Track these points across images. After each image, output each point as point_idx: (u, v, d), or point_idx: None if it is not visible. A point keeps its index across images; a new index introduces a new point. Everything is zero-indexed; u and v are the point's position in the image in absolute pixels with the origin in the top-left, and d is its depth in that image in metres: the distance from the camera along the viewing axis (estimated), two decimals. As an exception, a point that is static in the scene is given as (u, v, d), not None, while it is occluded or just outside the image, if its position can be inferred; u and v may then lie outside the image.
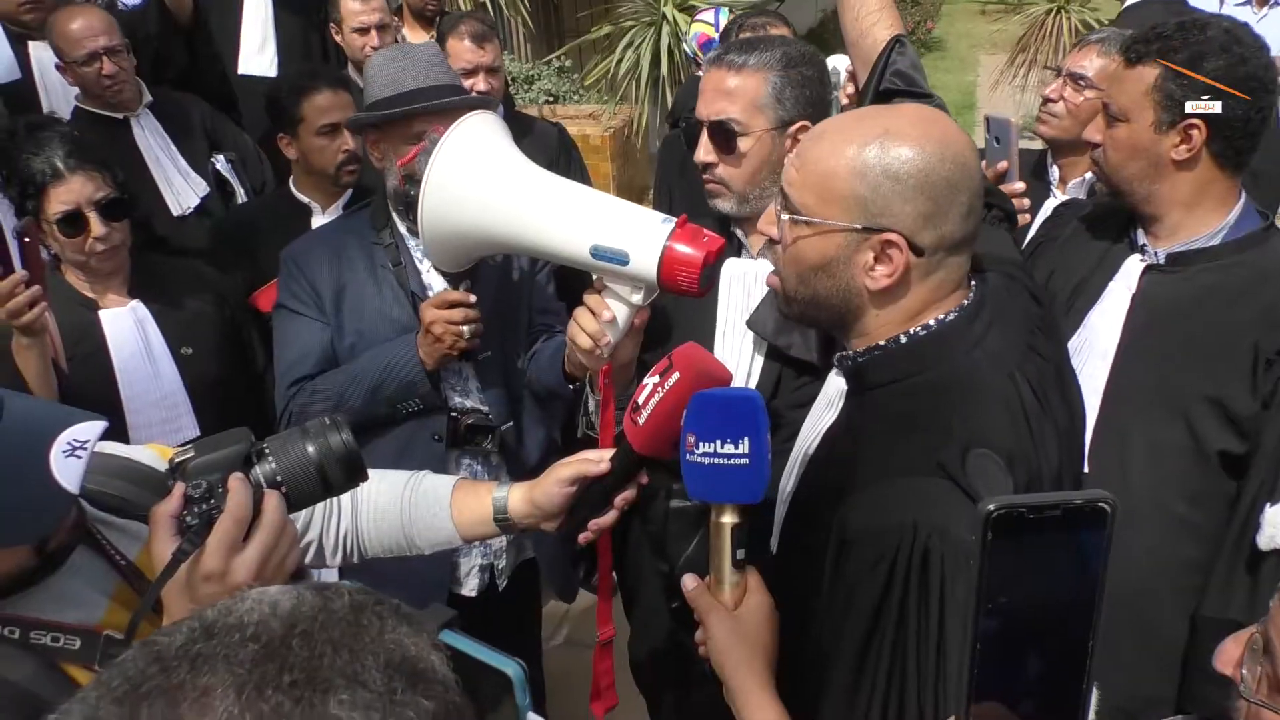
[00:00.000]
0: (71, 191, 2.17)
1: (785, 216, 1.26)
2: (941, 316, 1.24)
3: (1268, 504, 1.67)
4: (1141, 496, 1.79)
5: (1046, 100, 2.61)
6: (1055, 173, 2.65)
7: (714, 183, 1.84)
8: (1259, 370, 1.73)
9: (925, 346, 1.23)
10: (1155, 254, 1.88)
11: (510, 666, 0.83)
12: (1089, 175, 2.52)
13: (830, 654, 1.16)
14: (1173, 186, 1.82)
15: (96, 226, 2.19)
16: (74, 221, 2.18)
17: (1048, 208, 2.48)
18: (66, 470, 0.99)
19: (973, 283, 1.29)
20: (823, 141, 1.25)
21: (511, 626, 2.53)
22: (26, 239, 1.99)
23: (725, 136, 1.79)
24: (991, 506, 0.76)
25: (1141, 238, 1.92)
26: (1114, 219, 2.00)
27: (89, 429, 1.03)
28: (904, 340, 1.24)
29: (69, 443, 1.01)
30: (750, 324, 1.80)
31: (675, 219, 1.44)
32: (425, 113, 2.03)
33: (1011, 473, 1.13)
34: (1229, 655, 0.92)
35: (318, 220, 2.80)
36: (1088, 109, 2.44)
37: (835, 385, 1.38)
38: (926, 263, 1.21)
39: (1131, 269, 1.91)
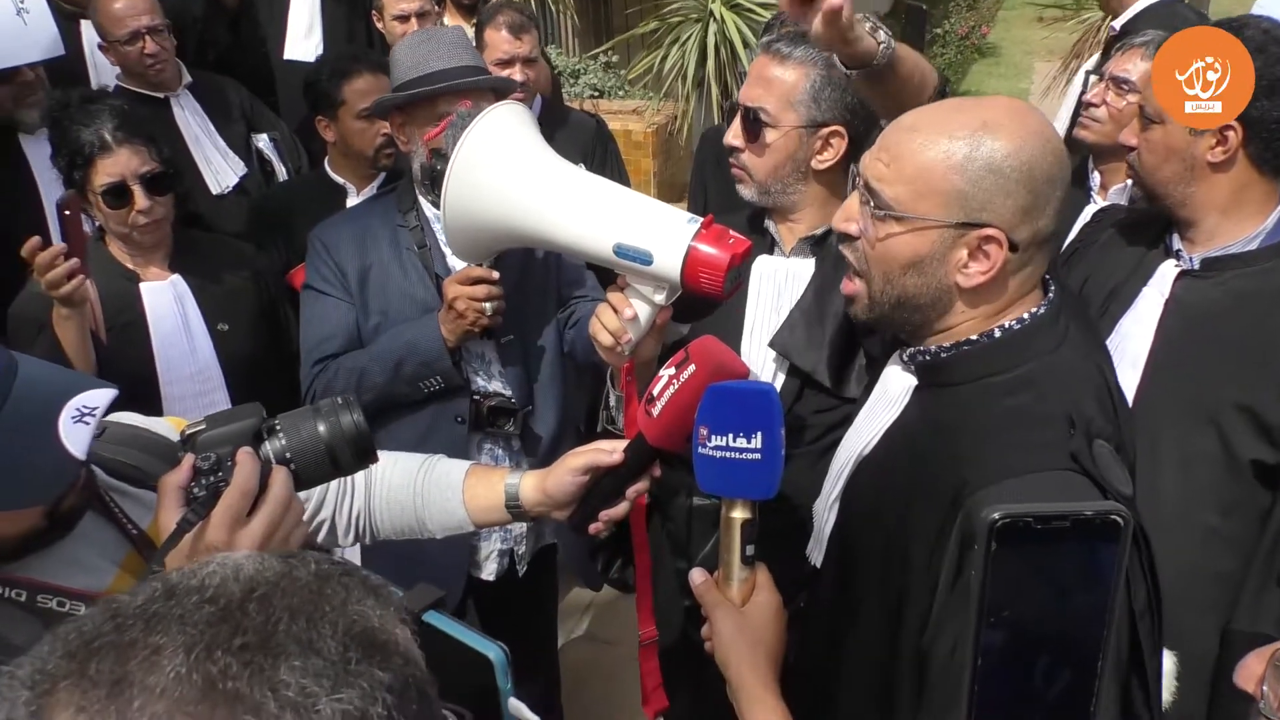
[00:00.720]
0: (118, 164, 2.21)
1: (875, 213, 1.21)
2: (1034, 310, 1.21)
3: None
4: (1172, 507, 1.76)
5: (1088, 105, 2.55)
6: (1096, 179, 2.60)
7: (738, 168, 1.83)
8: None
9: (1018, 341, 1.21)
10: (1190, 259, 1.85)
11: (492, 650, 0.82)
12: (1130, 182, 2.42)
13: (939, 658, 1.11)
14: (1209, 189, 1.79)
15: (140, 200, 2.23)
16: (119, 194, 2.22)
17: (1087, 214, 2.42)
18: (75, 436, 1.00)
19: (1048, 279, 1.27)
20: (916, 134, 1.20)
21: (529, 613, 2.53)
22: (67, 212, 2.03)
23: (754, 125, 1.77)
24: (996, 515, 0.74)
25: (1177, 243, 1.88)
26: (1151, 225, 1.96)
27: (98, 396, 1.04)
28: (997, 334, 1.21)
29: (78, 409, 1.01)
30: (773, 344, 1.77)
31: (701, 219, 1.42)
32: (448, 92, 2.04)
33: (1120, 460, 1.12)
34: (1251, 671, 0.90)
35: (353, 201, 2.82)
36: (1130, 113, 2.34)
37: (899, 383, 1.32)
38: (1019, 258, 1.18)
39: (1166, 274, 1.88)
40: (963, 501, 1.12)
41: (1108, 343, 1.87)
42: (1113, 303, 1.93)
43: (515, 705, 0.86)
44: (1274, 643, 0.90)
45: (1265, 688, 0.87)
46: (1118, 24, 3.26)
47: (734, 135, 1.82)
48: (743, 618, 1.20)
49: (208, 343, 2.39)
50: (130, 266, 2.34)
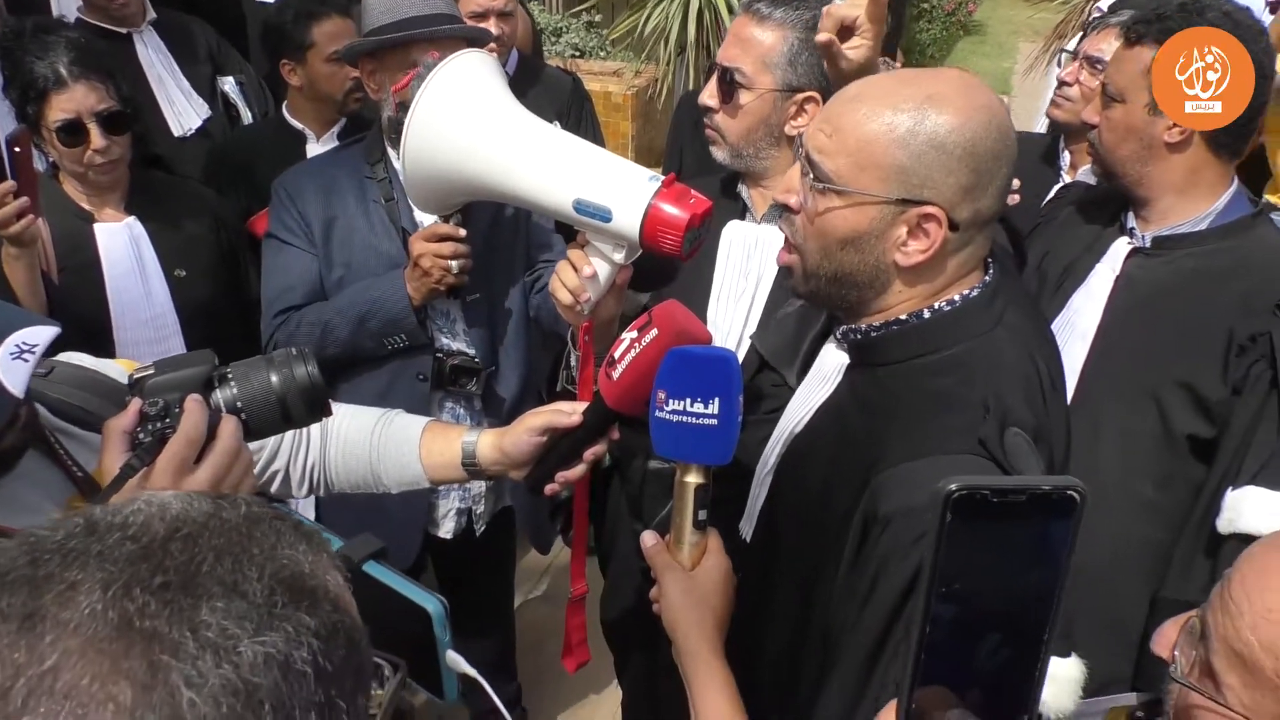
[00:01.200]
0: (73, 100, 2.12)
1: (814, 185, 1.18)
2: (965, 293, 1.19)
3: (1230, 488, 1.69)
4: (1110, 477, 1.80)
5: (1062, 84, 2.55)
6: (1066, 158, 2.61)
7: (711, 129, 1.82)
8: (1231, 356, 1.73)
9: (949, 322, 1.18)
10: (1142, 238, 1.89)
11: (431, 602, 0.82)
12: None
13: (844, 634, 1.12)
14: (1165, 170, 1.82)
15: (96, 138, 2.15)
16: (74, 131, 2.14)
17: (1054, 192, 2.44)
18: (12, 372, 0.97)
19: (988, 261, 1.24)
20: (860, 105, 1.15)
21: (486, 573, 2.54)
22: (18, 149, 1.96)
23: (729, 86, 1.75)
24: (953, 486, 0.73)
25: (1131, 221, 1.92)
26: (1109, 203, 1.99)
27: (39, 333, 1.01)
28: (927, 315, 1.18)
29: (18, 345, 0.99)
30: (754, 337, 1.76)
31: (663, 178, 1.40)
32: (420, 39, 1.99)
33: (1036, 451, 1.11)
34: (1166, 637, 0.91)
35: (312, 147, 2.77)
36: None
37: (833, 360, 1.31)
38: (959, 238, 1.15)
39: (1118, 252, 1.92)
40: (870, 480, 1.12)
41: (1060, 317, 1.93)
42: (1067, 278, 1.96)
43: (453, 657, 0.86)
44: (1190, 611, 0.92)
45: (1177, 652, 0.89)
46: (1104, 4, 3.25)
47: (709, 95, 1.80)
48: (691, 581, 1.20)
49: (164, 288, 2.33)
50: (85, 206, 2.26)
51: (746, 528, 1.46)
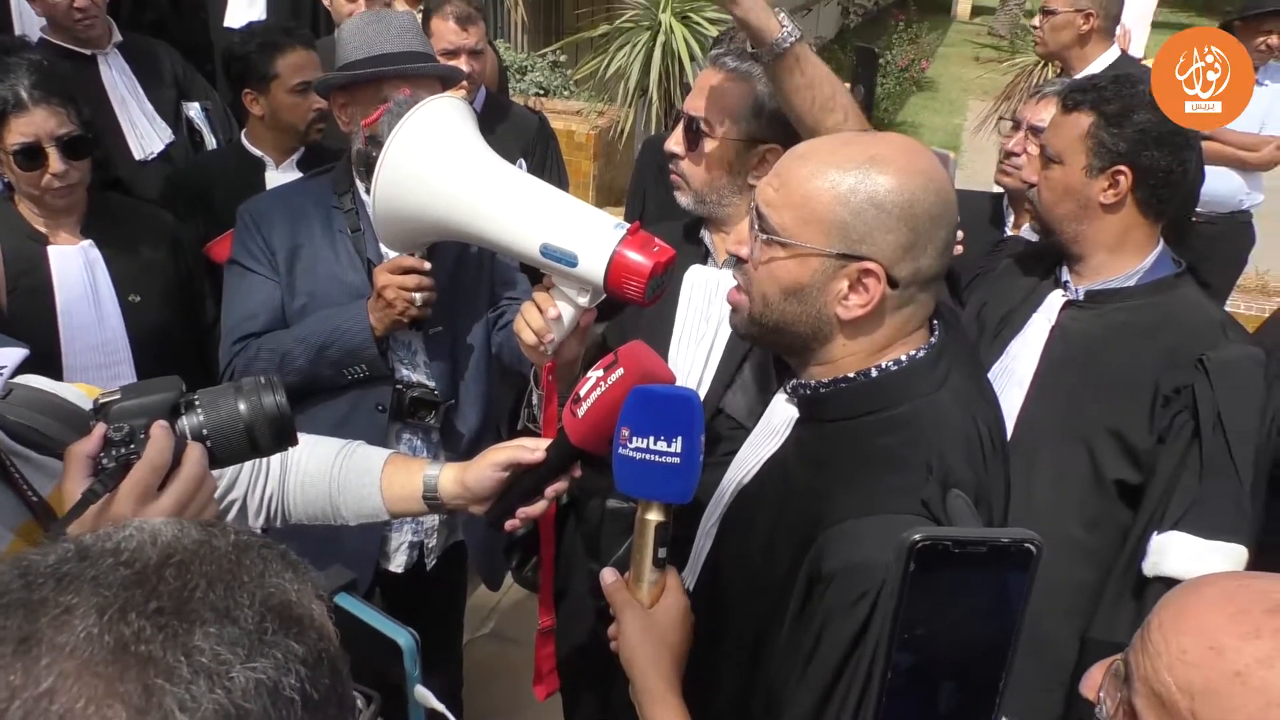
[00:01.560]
0: (33, 124, 2.10)
1: (760, 236, 1.23)
2: (912, 353, 1.22)
3: (1155, 532, 1.76)
4: (1042, 519, 1.83)
5: (1010, 154, 2.66)
6: (1010, 218, 2.73)
7: (676, 175, 1.86)
8: (1157, 406, 1.82)
9: (896, 382, 1.21)
10: (1076, 291, 1.99)
11: (402, 636, 0.82)
12: None
13: (788, 690, 1.13)
14: (1099, 229, 1.93)
15: (55, 163, 2.13)
16: (32, 155, 2.12)
17: None
18: None
19: (934, 321, 1.28)
20: (806, 162, 1.21)
21: (436, 608, 2.51)
22: None
23: (695, 134, 1.80)
24: (917, 537, 0.76)
25: (1066, 275, 2.02)
26: (1045, 257, 2.10)
27: (7, 354, 1.00)
28: (874, 374, 1.21)
29: None
30: (725, 406, 1.78)
31: (628, 225, 1.43)
32: (393, 76, 2.02)
33: (976, 510, 1.13)
34: (1093, 680, 0.94)
35: (271, 174, 2.78)
36: None
37: (782, 414, 1.33)
38: (899, 296, 1.19)
39: (1053, 303, 2.01)
40: (815, 536, 1.15)
41: (999, 363, 2.02)
42: (1005, 327, 2.06)
43: (421, 692, 0.86)
44: (1117, 654, 0.95)
45: (1103, 694, 0.92)
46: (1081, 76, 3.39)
47: (675, 142, 1.84)
48: (649, 619, 1.20)
49: (116, 313, 2.30)
50: (40, 228, 2.24)
51: (690, 577, 1.46)
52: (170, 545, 0.56)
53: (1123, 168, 1.86)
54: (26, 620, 0.51)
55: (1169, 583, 1.68)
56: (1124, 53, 3.67)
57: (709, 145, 1.81)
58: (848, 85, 2.55)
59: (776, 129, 1.80)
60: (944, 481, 1.12)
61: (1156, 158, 1.85)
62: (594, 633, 2.04)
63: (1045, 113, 2.55)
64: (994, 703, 0.80)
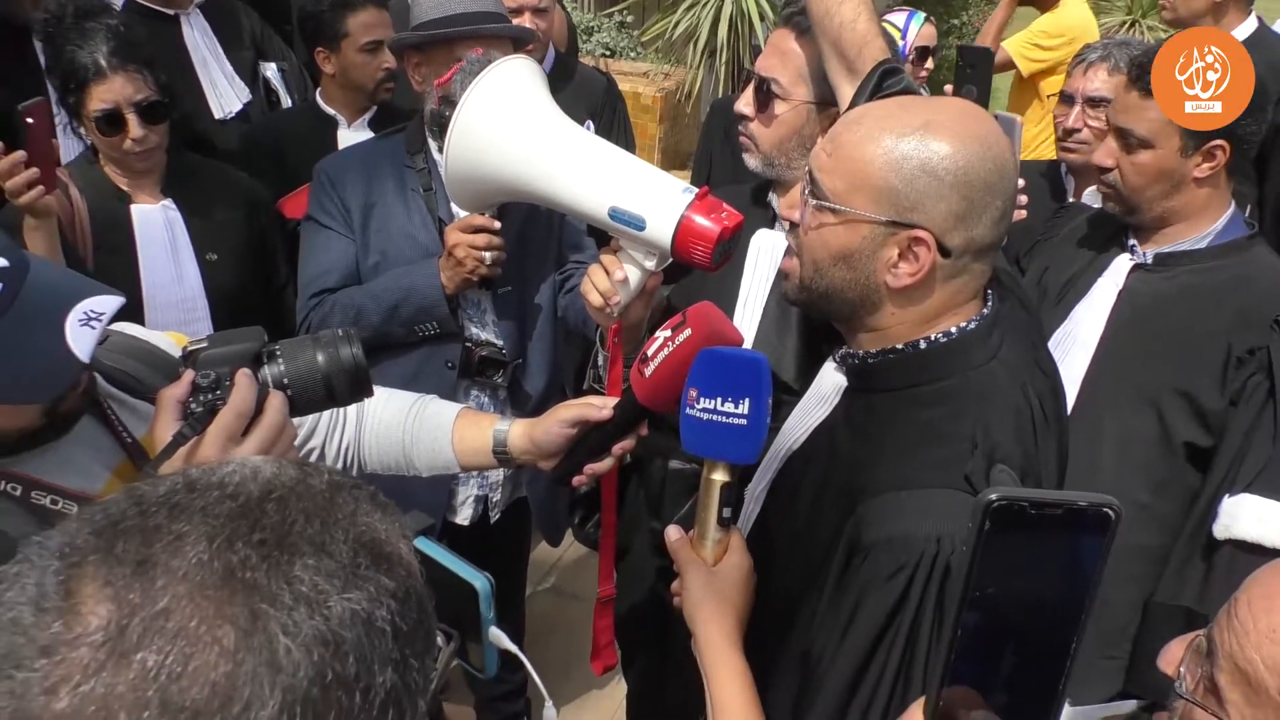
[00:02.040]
0: (112, 91, 2.15)
1: (811, 201, 1.21)
2: (963, 324, 1.20)
3: (1227, 495, 1.73)
4: (1107, 484, 1.84)
5: (1070, 131, 2.60)
6: (1071, 184, 2.70)
7: (745, 136, 1.84)
8: (1229, 369, 1.81)
9: (945, 354, 1.19)
10: (1144, 255, 1.97)
11: (478, 579, 0.85)
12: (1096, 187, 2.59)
13: (825, 657, 1.14)
14: (1188, 200, 1.90)
15: (135, 128, 2.18)
16: (113, 121, 2.17)
17: None
18: (80, 338, 1.01)
19: (988, 292, 1.25)
20: (859, 127, 1.19)
21: (499, 561, 2.54)
22: (30, 120, 1.97)
23: (765, 95, 1.78)
24: (994, 496, 0.76)
25: (1132, 239, 2.00)
26: (1109, 222, 2.07)
27: (107, 302, 1.05)
28: (923, 345, 1.20)
29: (86, 312, 1.02)
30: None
31: (697, 190, 1.42)
32: (467, 37, 2.03)
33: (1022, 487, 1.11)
34: (1173, 655, 0.94)
35: (343, 133, 2.81)
36: None
37: (832, 381, 1.33)
38: (951, 265, 1.16)
39: (1120, 267, 1.99)
40: (856, 508, 1.14)
41: (1062, 328, 2.00)
42: (1069, 292, 2.04)
43: (496, 634, 0.89)
44: (1194, 631, 0.95)
45: (1183, 669, 0.91)
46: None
47: (744, 103, 1.82)
48: (713, 577, 1.22)
49: (195, 271, 2.36)
50: (123, 187, 2.30)
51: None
52: (270, 481, 0.59)
53: (1220, 142, 1.82)
54: (143, 545, 0.54)
55: (1241, 546, 1.67)
56: (1262, 22, 3.32)
57: (780, 107, 1.79)
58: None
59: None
60: (989, 456, 1.10)
61: (1248, 124, 1.81)
62: (654, 591, 2.06)
63: (1096, 80, 2.56)
64: (1064, 668, 0.80)
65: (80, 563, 0.53)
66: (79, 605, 0.52)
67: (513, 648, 0.92)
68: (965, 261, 1.17)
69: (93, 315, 1.03)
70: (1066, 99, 2.64)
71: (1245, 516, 1.69)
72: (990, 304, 1.24)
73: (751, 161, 1.86)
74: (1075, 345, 1.97)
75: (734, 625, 1.20)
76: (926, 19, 3.28)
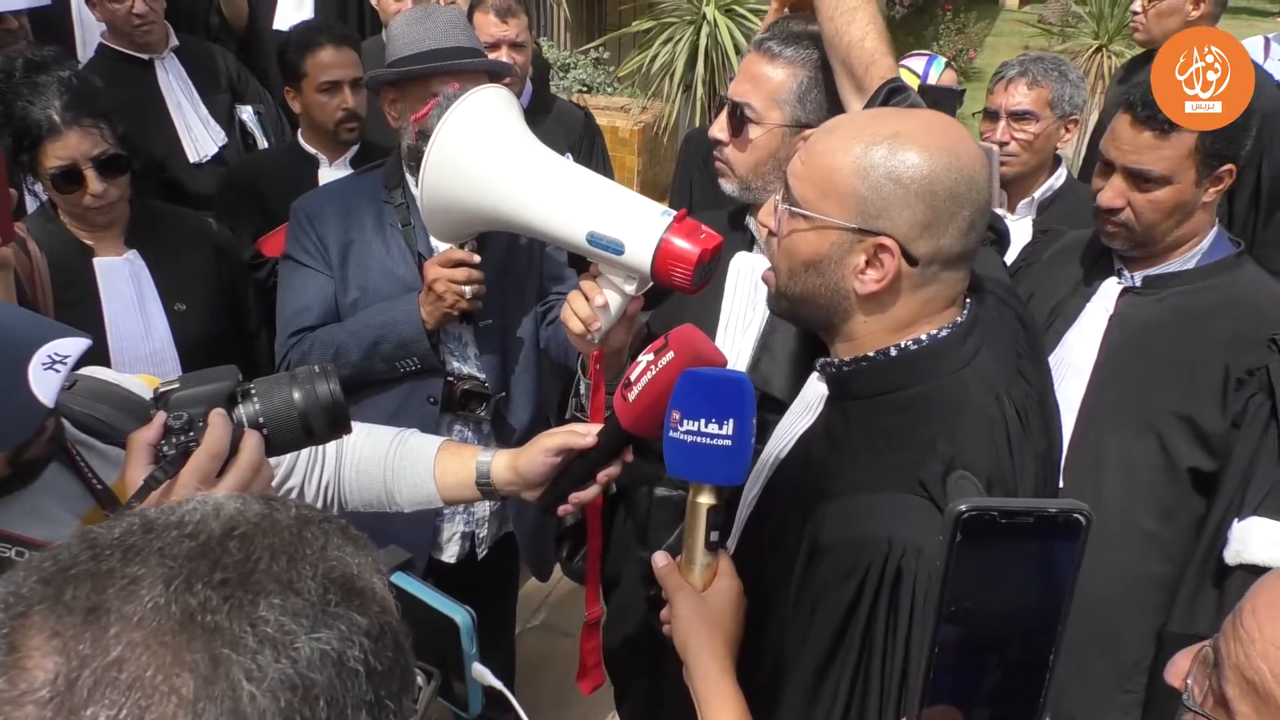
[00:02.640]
0: (68, 147, 2.08)
1: (783, 207, 1.24)
2: (934, 332, 1.21)
3: (1235, 520, 1.71)
4: (1112, 512, 1.83)
5: (1000, 144, 2.70)
6: (1004, 197, 2.78)
7: (721, 161, 1.85)
8: (1229, 390, 1.79)
9: (915, 361, 1.20)
10: (1132, 278, 1.96)
11: (459, 614, 0.83)
12: (1035, 196, 2.76)
13: (792, 660, 1.15)
14: (1194, 224, 1.90)
15: (94, 184, 2.12)
16: (71, 178, 2.10)
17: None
18: (44, 383, 0.99)
19: (967, 301, 1.26)
20: (831, 136, 1.22)
21: (488, 598, 2.53)
22: None
23: (739, 120, 1.79)
24: (963, 507, 0.75)
25: (1118, 262, 1.99)
26: (1094, 245, 2.06)
27: (72, 344, 1.03)
28: (894, 353, 1.21)
29: (49, 356, 1.01)
30: (750, 372, 1.79)
31: (675, 213, 1.43)
32: (442, 72, 2.04)
33: (989, 495, 1.11)
34: (1179, 667, 0.93)
35: (325, 171, 2.81)
36: (1043, 136, 2.70)
37: (815, 390, 1.34)
38: (919, 274, 1.18)
39: (1109, 291, 1.98)
40: (816, 512, 1.15)
41: (1055, 355, 1.97)
42: (1057, 318, 2.02)
43: (479, 670, 0.87)
44: (1204, 641, 0.94)
45: (1190, 680, 0.90)
46: None
47: (719, 128, 1.83)
48: (703, 603, 1.21)
49: (164, 322, 2.29)
50: (85, 240, 2.22)
51: (731, 546, 1.47)
52: (233, 518, 0.56)
53: (1229, 166, 1.83)
54: (94, 591, 0.51)
55: (1253, 570, 1.64)
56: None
57: (754, 132, 1.80)
58: None
59: (821, 113, 1.79)
60: (949, 462, 1.11)
61: (1245, 141, 1.83)
62: (645, 622, 2.04)
63: (1017, 95, 2.71)
64: (1044, 678, 0.80)
65: (26, 613, 0.51)
66: (23, 660, 0.49)
67: (497, 683, 0.90)
68: (934, 270, 1.18)
69: (57, 358, 1.01)
70: (991, 115, 2.76)
71: (1256, 541, 1.67)
72: (966, 312, 1.25)
73: (728, 186, 1.87)
74: (1070, 372, 1.94)
75: (725, 652, 1.19)
76: (947, 64, 3.35)
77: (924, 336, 1.21)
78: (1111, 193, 1.91)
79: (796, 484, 1.27)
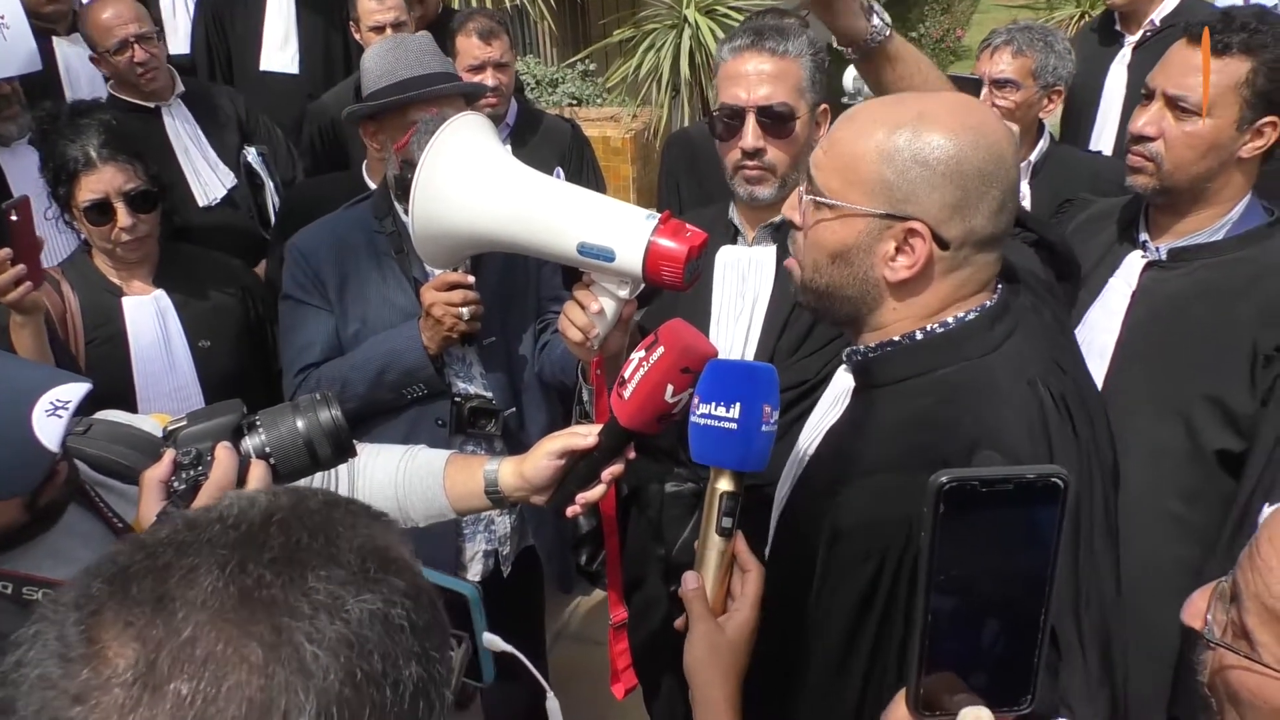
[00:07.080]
0: (102, 181, 2.22)
1: (808, 198, 1.21)
2: (961, 315, 1.18)
3: (1265, 504, 1.63)
4: (1138, 496, 1.72)
5: None
6: None
7: (761, 169, 1.85)
8: (1257, 367, 1.69)
9: (941, 344, 1.17)
10: (1157, 250, 1.86)
11: (467, 589, 0.88)
12: (1030, 159, 2.72)
13: (813, 648, 1.14)
14: (1224, 183, 1.78)
15: (123, 217, 2.24)
16: (102, 210, 2.23)
17: None
18: (47, 429, 1.03)
19: (999, 286, 1.23)
20: (853, 123, 1.18)
21: (516, 614, 2.54)
22: (15, 217, 1.98)
23: (777, 120, 1.81)
24: (944, 479, 0.77)
25: (1144, 234, 1.89)
26: (1118, 215, 1.97)
27: (71, 390, 1.07)
28: (919, 336, 1.18)
29: (51, 403, 1.04)
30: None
31: (659, 215, 1.46)
32: (418, 100, 2.07)
33: None
34: (1196, 606, 0.92)
35: None
36: (1024, 105, 2.69)
37: (842, 383, 1.32)
38: (951, 257, 1.14)
39: (1133, 265, 1.88)
40: (838, 496, 1.15)
41: (1076, 334, 1.89)
42: (1079, 292, 1.90)
43: (490, 638, 0.92)
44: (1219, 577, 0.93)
45: (1209, 617, 0.91)
46: (1158, 19, 3.28)
47: (755, 137, 1.83)
48: (720, 636, 1.18)
49: (188, 359, 2.39)
50: (115, 280, 2.35)
51: (764, 547, 1.49)
52: (269, 507, 0.62)
53: (1274, 119, 1.71)
54: (157, 583, 0.56)
55: None
56: None
57: (797, 126, 1.83)
58: None
59: (822, 90, 1.86)
60: (973, 443, 1.08)
61: None
62: (669, 618, 2.05)
63: (1002, 63, 2.71)
64: (1036, 640, 0.81)
65: (98, 610, 0.55)
66: (104, 650, 0.54)
67: (509, 648, 0.95)
68: (966, 253, 1.15)
69: (59, 405, 1.05)
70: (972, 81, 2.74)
71: None
72: (997, 297, 1.21)
73: (765, 191, 1.86)
74: (1091, 351, 1.83)
75: (735, 689, 1.17)
76: None
77: (951, 320, 1.18)
78: (1147, 118, 1.81)
79: (825, 476, 1.26)
